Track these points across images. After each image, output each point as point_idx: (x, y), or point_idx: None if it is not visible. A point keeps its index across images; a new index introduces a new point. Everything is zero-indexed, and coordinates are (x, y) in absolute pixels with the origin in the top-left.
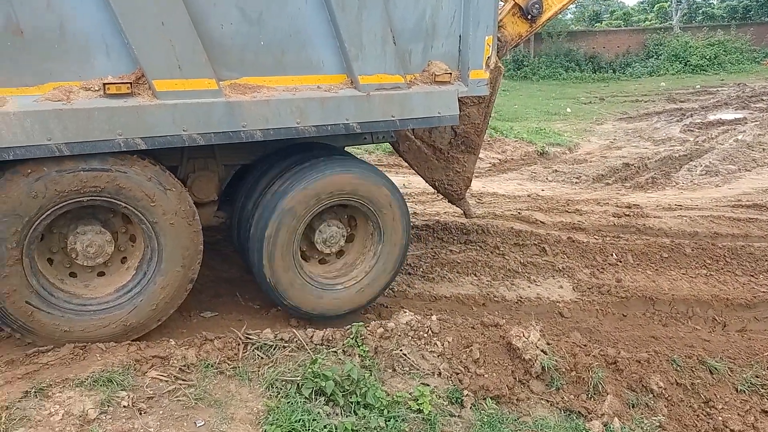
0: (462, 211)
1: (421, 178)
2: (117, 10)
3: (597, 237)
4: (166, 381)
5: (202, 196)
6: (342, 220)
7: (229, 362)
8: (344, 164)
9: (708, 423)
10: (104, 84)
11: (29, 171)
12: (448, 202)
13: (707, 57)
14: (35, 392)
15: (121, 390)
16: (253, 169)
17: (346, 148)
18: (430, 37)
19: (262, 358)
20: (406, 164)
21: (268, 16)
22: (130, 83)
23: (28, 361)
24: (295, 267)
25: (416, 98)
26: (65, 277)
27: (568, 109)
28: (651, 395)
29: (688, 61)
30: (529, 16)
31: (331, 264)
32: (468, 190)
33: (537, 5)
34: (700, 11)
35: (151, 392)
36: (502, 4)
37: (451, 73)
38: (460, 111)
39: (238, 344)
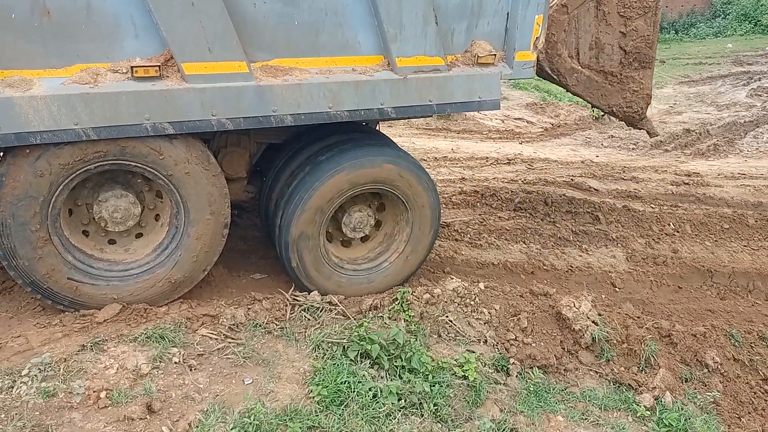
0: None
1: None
2: None
3: (653, 206)
4: (216, 339)
5: (231, 173)
6: (371, 205)
7: (276, 322)
8: (373, 152)
9: (766, 401)
10: (132, 67)
11: (27, 151)
12: (627, 125)
13: None
14: (91, 346)
15: (173, 346)
16: (283, 148)
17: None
18: (476, 15)
19: (309, 319)
20: (484, 113)
21: None
22: (159, 66)
23: (83, 317)
24: (321, 254)
25: (456, 81)
26: (104, 246)
27: None
28: (706, 370)
29: (758, 20)
30: None
31: (357, 248)
32: (648, 108)
33: None
34: None
35: (201, 349)
36: None
37: (495, 54)
38: (625, 27)
39: (286, 305)
